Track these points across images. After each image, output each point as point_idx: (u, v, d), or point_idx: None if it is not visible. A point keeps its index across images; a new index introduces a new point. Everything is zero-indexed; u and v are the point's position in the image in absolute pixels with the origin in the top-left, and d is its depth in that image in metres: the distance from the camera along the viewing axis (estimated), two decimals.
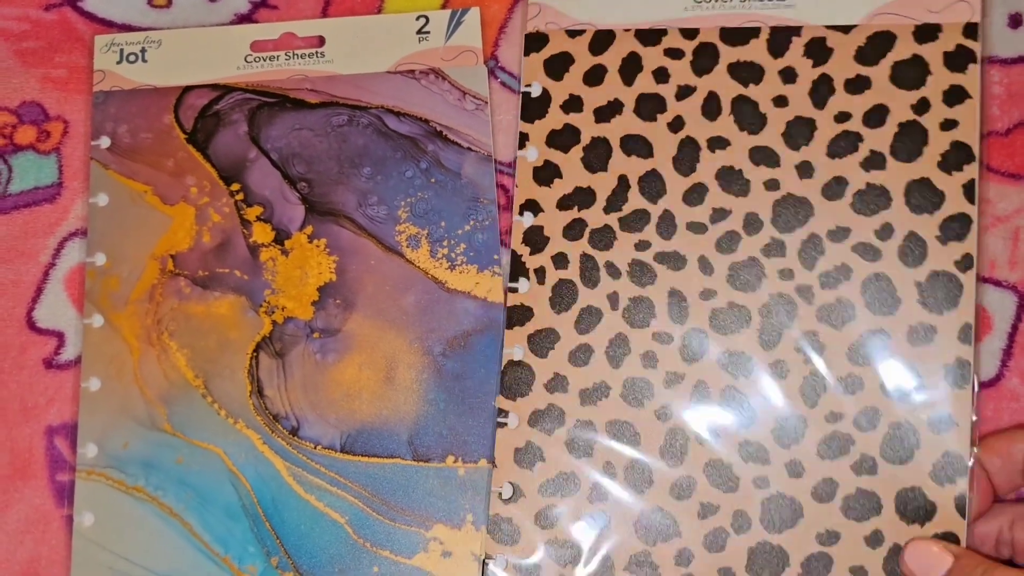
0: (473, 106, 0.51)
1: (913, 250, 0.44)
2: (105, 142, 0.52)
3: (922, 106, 0.44)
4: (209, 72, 0.52)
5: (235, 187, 0.51)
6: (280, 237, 0.50)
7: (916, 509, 0.43)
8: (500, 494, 0.46)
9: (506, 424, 0.46)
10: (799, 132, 0.46)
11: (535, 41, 0.49)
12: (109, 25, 0.54)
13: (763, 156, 0.46)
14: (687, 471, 0.44)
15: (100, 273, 0.50)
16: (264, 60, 0.52)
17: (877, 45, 0.45)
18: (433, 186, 0.50)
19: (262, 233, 0.50)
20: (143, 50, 0.53)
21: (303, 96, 0.52)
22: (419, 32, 0.52)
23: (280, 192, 0.51)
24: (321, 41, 0.53)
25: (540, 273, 0.47)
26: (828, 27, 0.46)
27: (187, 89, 0.52)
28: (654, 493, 0.44)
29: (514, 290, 0.47)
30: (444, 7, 0.53)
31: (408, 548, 0.47)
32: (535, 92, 0.49)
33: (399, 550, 0.47)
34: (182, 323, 0.50)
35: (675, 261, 0.46)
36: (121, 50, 0.53)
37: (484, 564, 0.45)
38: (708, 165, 0.46)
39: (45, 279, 0.51)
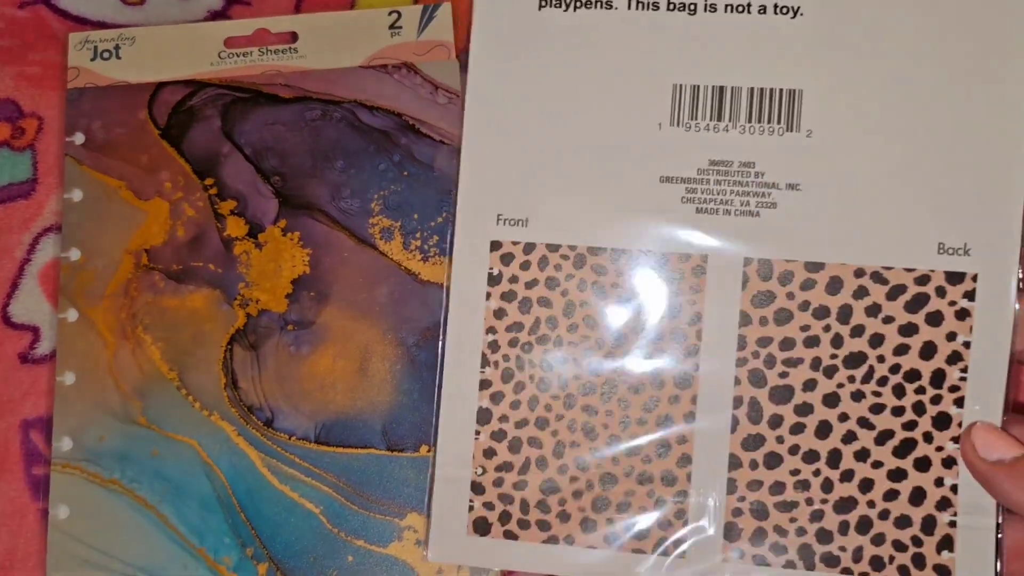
0: (445, 100, 0.50)
1: None
2: (79, 138, 0.51)
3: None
4: (183, 68, 0.51)
5: (209, 181, 0.50)
6: (254, 231, 0.49)
7: None
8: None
9: None
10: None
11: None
12: (83, 22, 0.54)
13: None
14: None
15: (75, 268, 0.49)
16: (237, 56, 0.52)
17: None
18: (406, 179, 0.50)
19: (236, 227, 0.50)
20: (117, 47, 0.52)
21: (276, 91, 0.51)
22: (391, 27, 0.51)
23: (254, 186, 0.50)
24: (294, 37, 0.52)
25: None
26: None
27: (161, 85, 0.51)
28: None
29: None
30: (416, 2, 0.53)
31: (382, 537, 0.46)
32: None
33: (373, 539, 0.46)
34: (157, 317, 0.49)
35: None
36: (95, 47, 0.52)
37: None
38: None
39: (20, 274, 0.50)
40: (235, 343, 0.48)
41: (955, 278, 0.37)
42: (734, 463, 0.38)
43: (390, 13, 0.51)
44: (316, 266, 0.49)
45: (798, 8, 0.37)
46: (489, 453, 0.39)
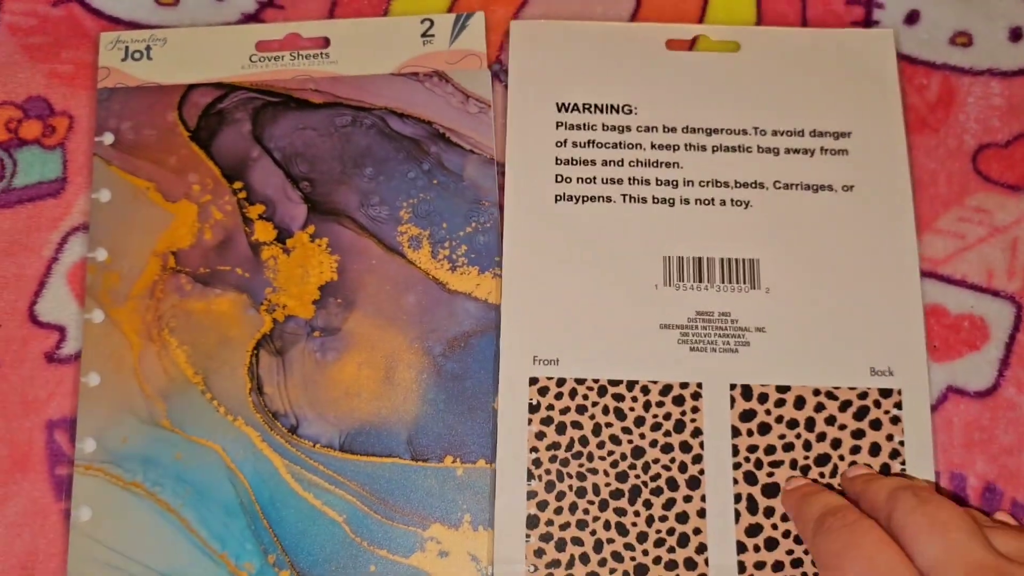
0: (476, 109, 0.49)
1: None
2: (108, 138, 0.49)
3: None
4: (214, 71, 0.50)
5: (237, 185, 0.49)
6: (282, 236, 0.48)
7: None
8: None
9: None
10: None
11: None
12: (116, 22, 0.52)
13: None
14: None
15: (101, 268, 0.48)
16: (269, 60, 0.50)
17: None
18: (435, 187, 0.48)
19: (264, 231, 0.48)
20: (148, 48, 0.50)
21: (307, 96, 0.49)
22: (424, 35, 0.50)
23: (282, 191, 0.48)
24: (326, 42, 0.50)
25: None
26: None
27: (191, 87, 0.49)
28: None
29: None
30: (450, 11, 0.51)
31: (405, 547, 0.45)
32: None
33: (396, 549, 0.45)
34: (183, 320, 0.47)
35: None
36: (126, 47, 0.50)
37: None
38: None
39: (47, 273, 0.49)
40: (261, 348, 0.47)
41: (885, 393, 0.46)
42: (741, 548, 0.45)
43: (423, 21, 0.49)
44: (343, 273, 0.47)
45: (748, 202, 0.49)
46: (539, 553, 0.45)
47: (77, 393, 0.47)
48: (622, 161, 0.49)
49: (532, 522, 0.45)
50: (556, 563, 0.45)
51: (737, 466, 0.46)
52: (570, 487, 0.45)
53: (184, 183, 0.48)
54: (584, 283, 0.48)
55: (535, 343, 0.47)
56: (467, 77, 0.49)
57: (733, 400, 0.46)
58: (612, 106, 0.50)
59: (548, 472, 0.45)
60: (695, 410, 0.46)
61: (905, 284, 0.47)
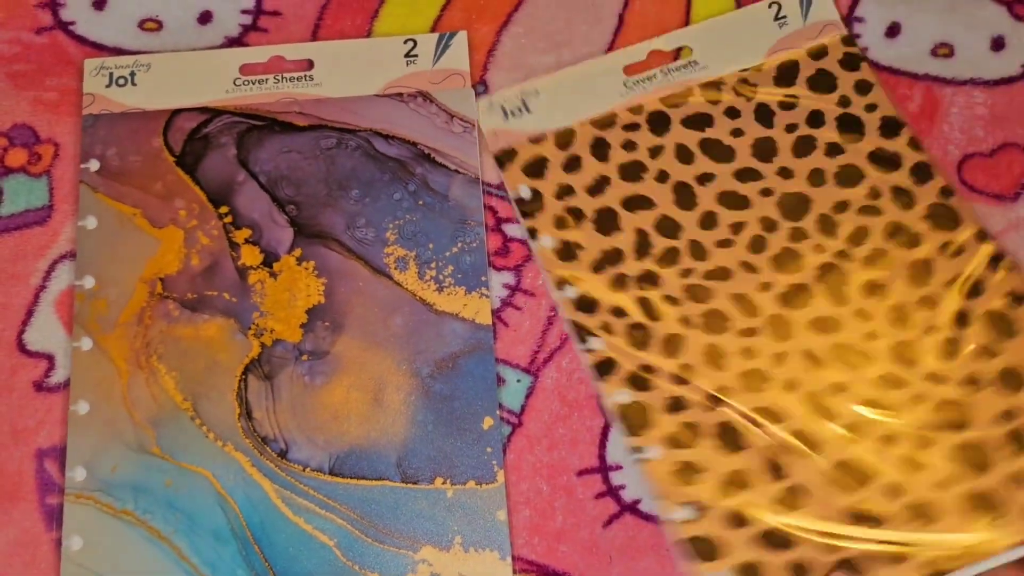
0: (461, 128, 0.48)
1: (904, 197, 0.48)
2: (94, 165, 0.48)
3: (845, 101, 0.50)
4: (198, 95, 0.49)
5: (224, 210, 0.48)
6: (269, 259, 0.47)
7: None
8: (682, 520, 0.43)
9: (649, 458, 0.45)
10: (765, 149, 0.49)
11: (506, 155, 0.49)
12: (100, 48, 0.51)
13: (747, 175, 0.49)
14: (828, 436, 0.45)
15: (89, 296, 0.47)
16: (253, 83, 0.49)
17: (787, 71, 0.50)
18: (421, 208, 0.47)
19: (251, 256, 0.47)
20: (132, 73, 0.49)
21: (292, 119, 0.48)
22: (407, 55, 0.49)
23: (268, 215, 0.47)
24: (310, 64, 0.49)
25: (606, 327, 0.46)
26: (742, 70, 0.51)
27: (176, 112, 0.49)
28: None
29: (590, 351, 0.46)
30: (433, 30, 0.50)
31: (396, 570, 0.44)
32: (525, 195, 0.49)
33: (387, 572, 0.44)
34: (171, 346, 0.46)
35: (722, 274, 0.47)
36: (111, 73, 0.49)
37: None
38: (706, 196, 0.48)
39: (35, 302, 0.48)
40: (249, 373, 0.46)
41: None
42: None
43: (406, 41, 0.49)
44: (331, 296, 0.46)
45: None
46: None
47: (67, 421, 0.46)
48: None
49: None
50: None
51: None
52: None
53: (170, 209, 0.48)
54: None
55: None
56: (451, 97, 0.48)
57: None
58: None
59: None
60: None
61: None
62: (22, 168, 0.50)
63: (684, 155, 0.49)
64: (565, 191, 0.49)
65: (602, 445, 0.46)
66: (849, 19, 0.52)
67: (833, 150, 0.49)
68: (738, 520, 0.43)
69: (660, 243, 0.48)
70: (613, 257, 0.48)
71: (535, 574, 0.43)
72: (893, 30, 0.51)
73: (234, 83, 0.49)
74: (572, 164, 0.49)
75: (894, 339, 0.45)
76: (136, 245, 0.47)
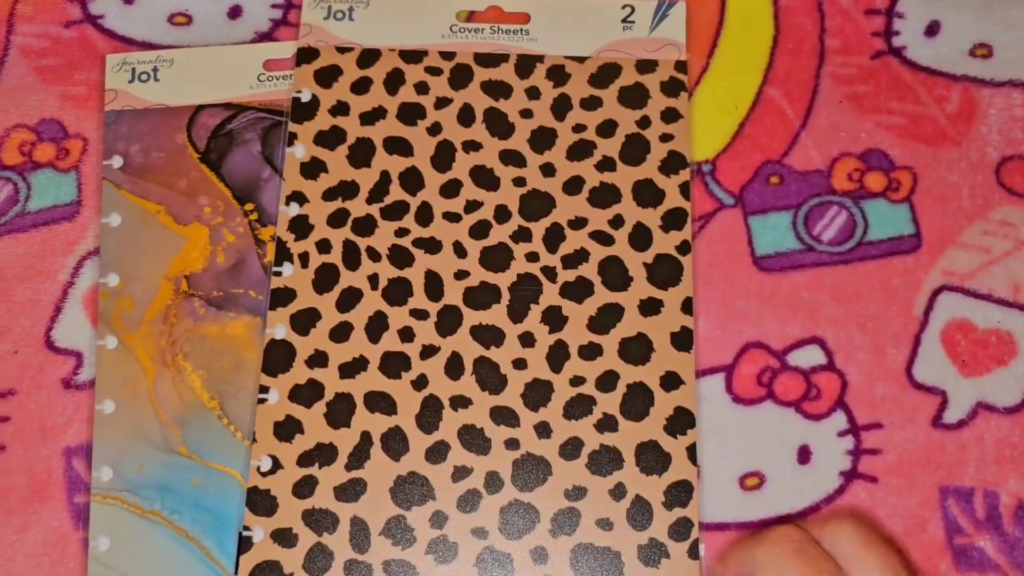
0: None
1: (640, 237, 0.46)
2: (117, 161, 0.46)
3: (644, 122, 0.47)
4: (222, 91, 0.47)
5: (249, 207, 0.46)
6: None
7: (653, 461, 0.43)
8: (259, 467, 0.43)
9: (267, 400, 0.44)
10: (543, 139, 0.47)
11: (306, 54, 0.48)
12: (129, 43, 0.49)
13: (511, 158, 0.47)
14: (442, 436, 0.43)
15: (113, 294, 0.45)
16: (277, 79, 0.47)
17: (606, 73, 0.48)
18: None
19: None
20: (155, 69, 0.47)
21: None
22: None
23: None
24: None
25: (304, 258, 0.45)
26: (566, 57, 0.48)
27: (200, 108, 0.47)
28: (410, 459, 0.43)
29: (278, 274, 0.45)
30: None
31: None
32: (305, 98, 0.47)
33: None
34: (197, 344, 0.44)
35: (432, 246, 0.46)
36: (133, 69, 0.47)
37: (241, 535, 0.42)
38: (462, 164, 0.47)
39: (64, 298, 0.46)
40: None
41: None
42: None
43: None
44: None
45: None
46: None
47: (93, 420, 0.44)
48: None
49: None
50: None
51: None
52: None
53: (195, 206, 0.46)
54: None
55: None
56: None
57: None
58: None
59: None
60: None
61: None
62: (50, 163, 0.48)
63: (466, 116, 0.47)
64: (341, 109, 0.47)
65: None
66: (890, 13, 0.49)
67: (605, 165, 0.47)
68: (301, 491, 0.42)
69: (396, 194, 0.46)
70: (348, 190, 0.46)
71: None
72: (933, 29, 0.49)
73: (258, 79, 0.47)
74: (361, 86, 0.47)
75: (534, 376, 0.44)
76: (160, 242, 0.45)
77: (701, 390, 0.44)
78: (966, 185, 0.47)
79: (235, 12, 0.50)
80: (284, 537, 0.42)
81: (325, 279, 0.45)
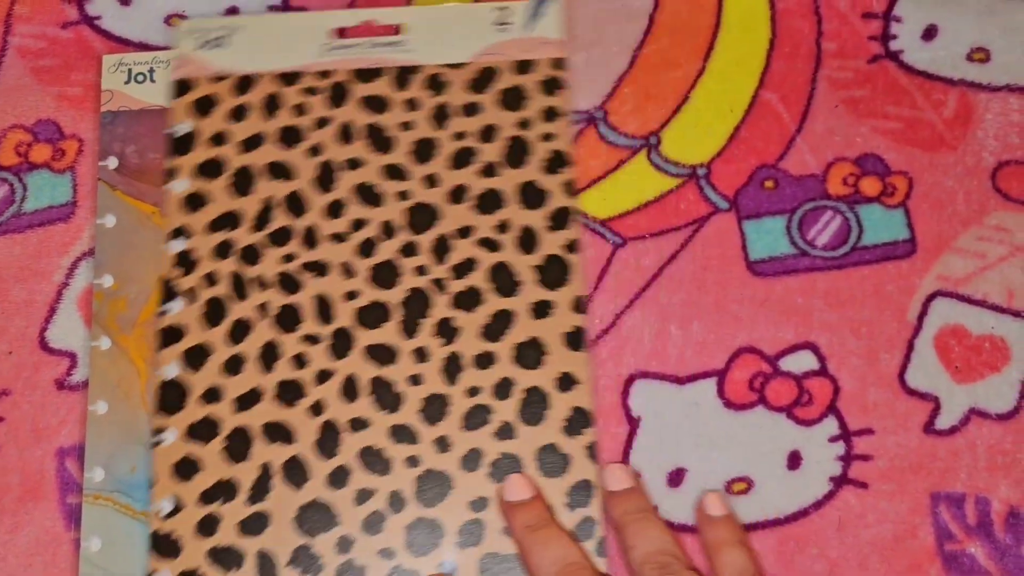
0: None
1: (528, 240, 0.45)
2: (113, 162, 0.46)
3: (525, 124, 0.47)
4: None
5: None
6: None
7: (553, 463, 0.43)
8: (159, 512, 0.42)
9: (163, 441, 0.43)
10: (424, 151, 0.47)
11: (183, 86, 0.47)
12: (126, 43, 0.49)
13: (394, 172, 0.47)
14: (342, 461, 0.43)
15: (107, 295, 0.45)
16: None
17: (484, 77, 0.48)
18: None
19: None
20: (151, 70, 0.47)
21: None
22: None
23: None
24: None
25: (191, 293, 0.44)
26: (442, 65, 0.48)
27: None
28: (312, 487, 0.43)
29: (164, 313, 0.44)
30: None
31: None
32: (183, 131, 0.47)
33: None
34: None
35: (320, 269, 0.45)
36: (129, 70, 0.47)
37: None
38: (345, 183, 0.46)
39: (58, 299, 0.46)
40: None
41: None
42: None
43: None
44: None
45: None
46: None
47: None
48: None
49: None
50: None
51: None
52: None
53: None
54: None
55: None
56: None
57: None
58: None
59: None
60: None
61: None
62: (46, 164, 0.48)
63: (346, 134, 0.47)
64: (220, 139, 0.47)
65: (626, 453, 0.43)
66: (887, 16, 0.49)
67: (488, 171, 0.46)
68: (204, 530, 0.42)
69: (280, 219, 0.46)
70: (232, 220, 0.45)
71: None
72: (930, 32, 0.48)
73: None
74: (239, 113, 0.47)
75: (430, 391, 0.44)
76: (155, 244, 0.45)
77: (693, 395, 0.44)
78: (962, 190, 0.46)
79: (231, 13, 0.50)
80: None
81: (214, 313, 0.44)
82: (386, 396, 0.43)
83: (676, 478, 0.43)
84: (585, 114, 0.48)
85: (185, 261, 0.45)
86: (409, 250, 0.45)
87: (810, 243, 0.46)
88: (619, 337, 0.45)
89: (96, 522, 0.43)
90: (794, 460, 0.43)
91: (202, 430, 0.43)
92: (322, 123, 0.47)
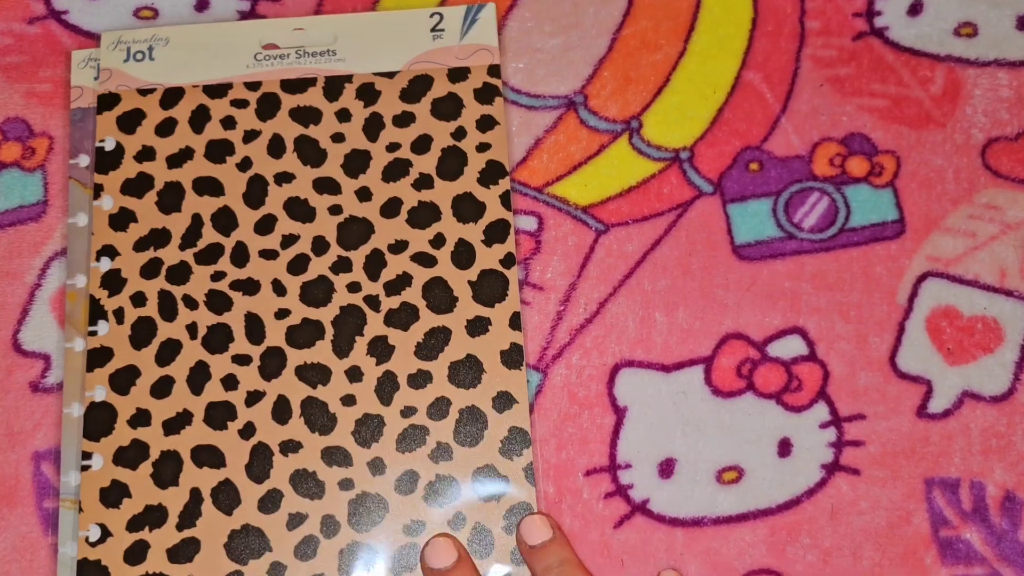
0: None
1: (463, 254, 0.44)
2: (84, 160, 0.45)
3: (460, 133, 0.46)
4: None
5: None
6: None
7: (491, 486, 0.42)
8: (87, 538, 0.42)
9: (91, 466, 0.42)
10: (357, 163, 0.46)
11: (107, 101, 0.46)
12: (94, 38, 0.48)
13: (326, 186, 0.46)
14: (273, 484, 0.42)
15: (81, 295, 0.44)
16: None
17: (418, 86, 0.47)
18: None
19: None
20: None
21: None
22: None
23: None
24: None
25: (119, 314, 0.44)
26: (375, 74, 0.47)
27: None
28: (242, 511, 0.42)
29: (93, 333, 0.43)
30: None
31: None
32: (108, 147, 0.46)
33: None
34: None
35: (250, 287, 0.44)
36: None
37: None
38: (275, 198, 0.45)
39: (31, 300, 0.45)
40: None
41: None
42: None
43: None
44: None
45: None
46: None
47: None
48: None
49: None
50: None
51: None
52: None
53: None
54: None
55: None
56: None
57: None
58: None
59: None
60: None
61: None
62: (15, 163, 0.47)
63: (276, 148, 0.46)
64: (147, 154, 0.45)
65: (613, 444, 0.43)
66: None
67: (422, 183, 0.45)
68: (132, 558, 0.41)
69: (209, 236, 0.45)
70: (160, 239, 0.44)
71: None
72: (916, 8, 0.48)
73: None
74: (166, 127, 0.46)
75: (364, 412, 0.43)
76: None
77: (680, 383, 0.43)
78: (951, 168, 0.45)
79: (202, 4, 0.49)
80: None
81: (142, 334, 0.43)
82: (318, 417, 0.43)
83: (667, 469, 0.42)
84: (565, 99, 0.47)
85: (112, 281, 0.44)
86: (341, 266, 0.44)
87: (797, 226, 0.45)
88: (603, 326, 0.44)
89: (73, 527, 0.42)
90: (784, 447, 0.42)
91: (130, 454, 0.42)
92: (251, 136, 0.46)
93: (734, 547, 0.42)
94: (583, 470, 0.43)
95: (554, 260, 0.45)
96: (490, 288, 0.44)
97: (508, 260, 0.44)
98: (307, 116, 0.46)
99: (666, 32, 0.48)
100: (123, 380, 0.43)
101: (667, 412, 0.43)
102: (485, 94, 0.46)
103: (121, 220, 0.45)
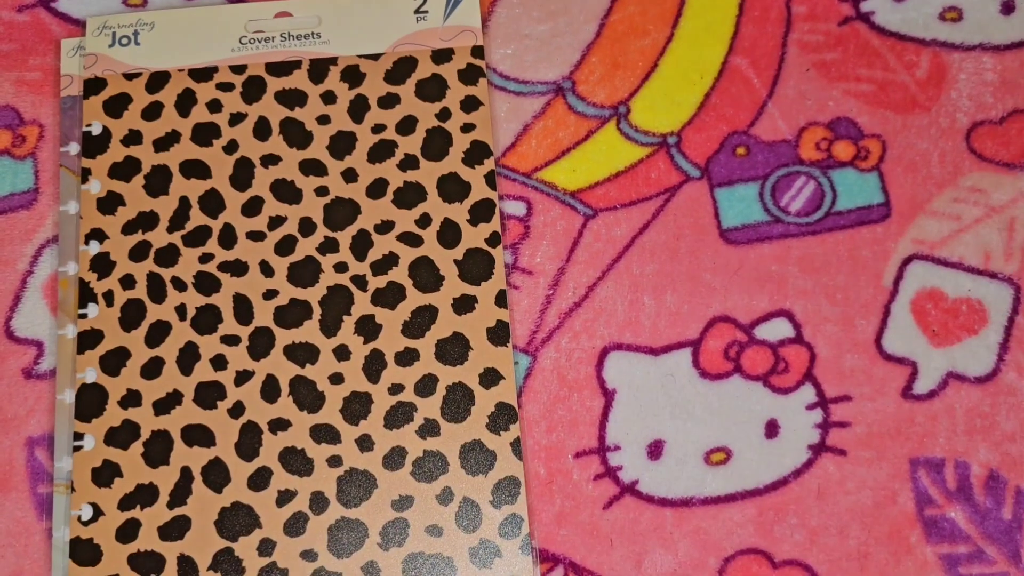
0: None
1: (449, 234, 0.45)
2: (74, 148, 0.45)
3: (444, 114, 0.46)
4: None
5: None
6: None
7: (478, 461, 0.42)
8: (80, 517, 0.42)
9: (83, 447, 0.43)
10: (342, 144, 0.46)
11: (93, 85, 0.47)
12: (84, 26, 0.48)
13: (312, 167, 0.46)
14: (263, 462, 0.43)
15: (73, 283, 0.44)
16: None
17: (402, 68, 0.47)
18: None
19: None
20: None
21: None
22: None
23: None
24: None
25: (108, 296, 0.44)
26: (359, 56, 0.47)
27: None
28: (232, 489, 0.42)
29: (84, 316, 0.44)
30: None
31: None
32: (95, 131, 0.46)
33: None
34: None
35: (238, 269, 0.45)
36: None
37: None
38: (262, 180, 0.46)
39: (23, 287, 0.45)
40: None
41: None
42: None
43: None
44: None
45: None
46: None
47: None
48: None
49: None
50: None
51: None
52: None
53: None
54: None
55: None
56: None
57: None
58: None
59: None
60: None
61: None
62: (6, 151, 0.47)
63: (262, 130, 0.46)
64: (134, 138, 0.46)
65: (602, 426, 0.43)
66: None
67: (408, 164, 0.46)
68: (124, 536, 0.42)
69: (197, 219, 0.45)
70: (148, 221, 0.45)
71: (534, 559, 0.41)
72: None
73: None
74: (152, 111, 0.46)
75: (352, 390, 0.43)
76: None
77: (668, 366, 0.44)
78: (936, 152, 0.46)
79: None
80: None
81: (132, 316, 0.44)
82: (307, 396, 0.43)
83: (655, 450, 0.43)
84: (553, 84, 0.47)
85: (101, 264, 0.44)
86: (328, 247, 0.45)
87: (783, 209, 0.45)
88: (592, 309, 0.44)
89: (67, 511, 0.42)
90: (771, 429, 0.43)
91: (121, 435, 0.43)
92: (237, 119, 0.46)
93: (722, 527, 0.42)
94: (573, 452, 0.43)
95: (543, 245, 0.46)
96: (476, 267, 0.44)
97: (493, 239, 0.45)
98: (292, 99, 0.46)
99: (653, 18, 0.48)
100: (113, 362, 0.43)
101: (655, 394, 0.43)
102: (469, 75, 0.47)
103: (109, 204, 0.45)
